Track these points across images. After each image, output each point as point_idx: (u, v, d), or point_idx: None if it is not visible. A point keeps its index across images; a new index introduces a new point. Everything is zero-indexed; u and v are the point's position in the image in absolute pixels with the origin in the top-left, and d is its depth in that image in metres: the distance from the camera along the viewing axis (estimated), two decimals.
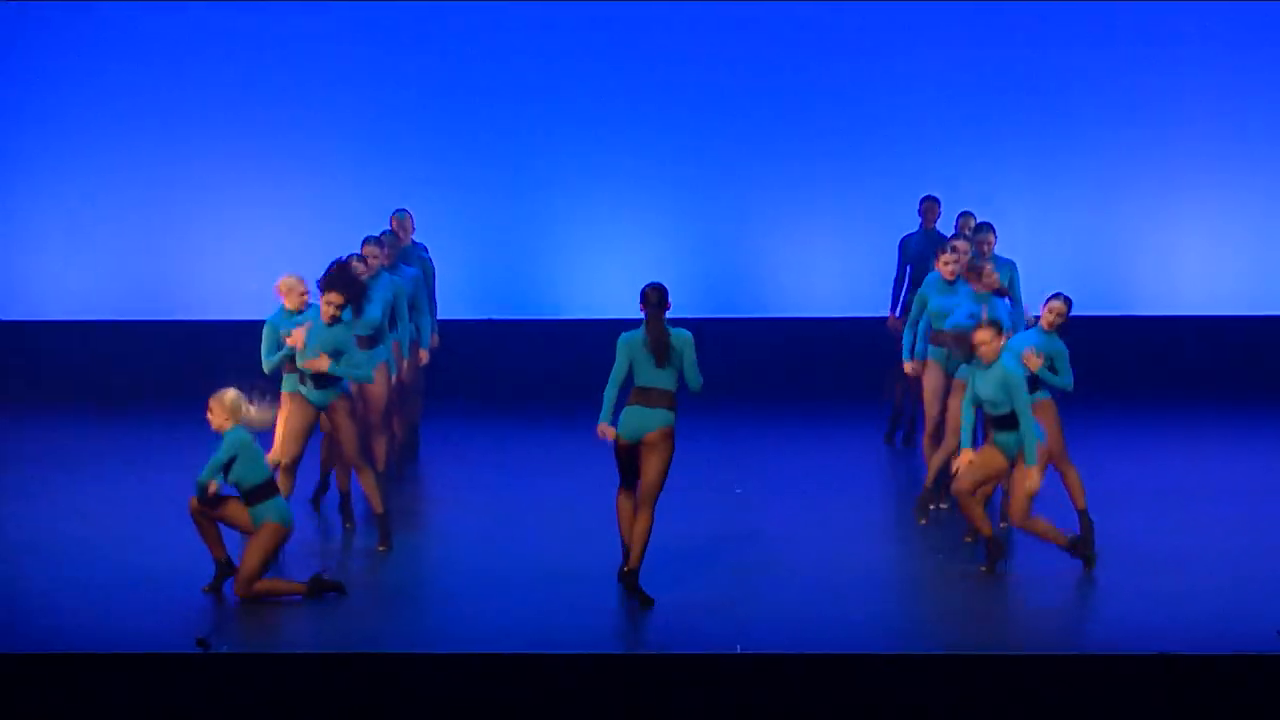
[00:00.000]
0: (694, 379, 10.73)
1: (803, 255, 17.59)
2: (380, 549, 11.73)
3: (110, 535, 11.98)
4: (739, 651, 9.29)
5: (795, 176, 17.63)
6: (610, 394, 10.74)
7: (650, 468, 10.60)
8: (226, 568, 10.70)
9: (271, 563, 10.58)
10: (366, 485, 11.93)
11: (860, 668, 8.97)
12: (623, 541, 10.72)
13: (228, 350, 17.15)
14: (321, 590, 10.45)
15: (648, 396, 10.63)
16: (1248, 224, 17.63)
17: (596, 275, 16.90)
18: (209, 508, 10.59)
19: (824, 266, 17.60)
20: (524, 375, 17.42)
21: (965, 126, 17.53)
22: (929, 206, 15.04)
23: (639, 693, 8.94)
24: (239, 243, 17.50)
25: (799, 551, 11.62)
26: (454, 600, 10.68)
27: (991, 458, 11.07)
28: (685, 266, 16.10)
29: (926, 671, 8.96)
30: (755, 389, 17.11)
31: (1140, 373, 17.41)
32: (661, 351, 10.62)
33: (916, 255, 14.78)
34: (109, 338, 17.58)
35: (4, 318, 17.65)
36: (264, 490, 10.54)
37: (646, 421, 10.60)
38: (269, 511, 10.50)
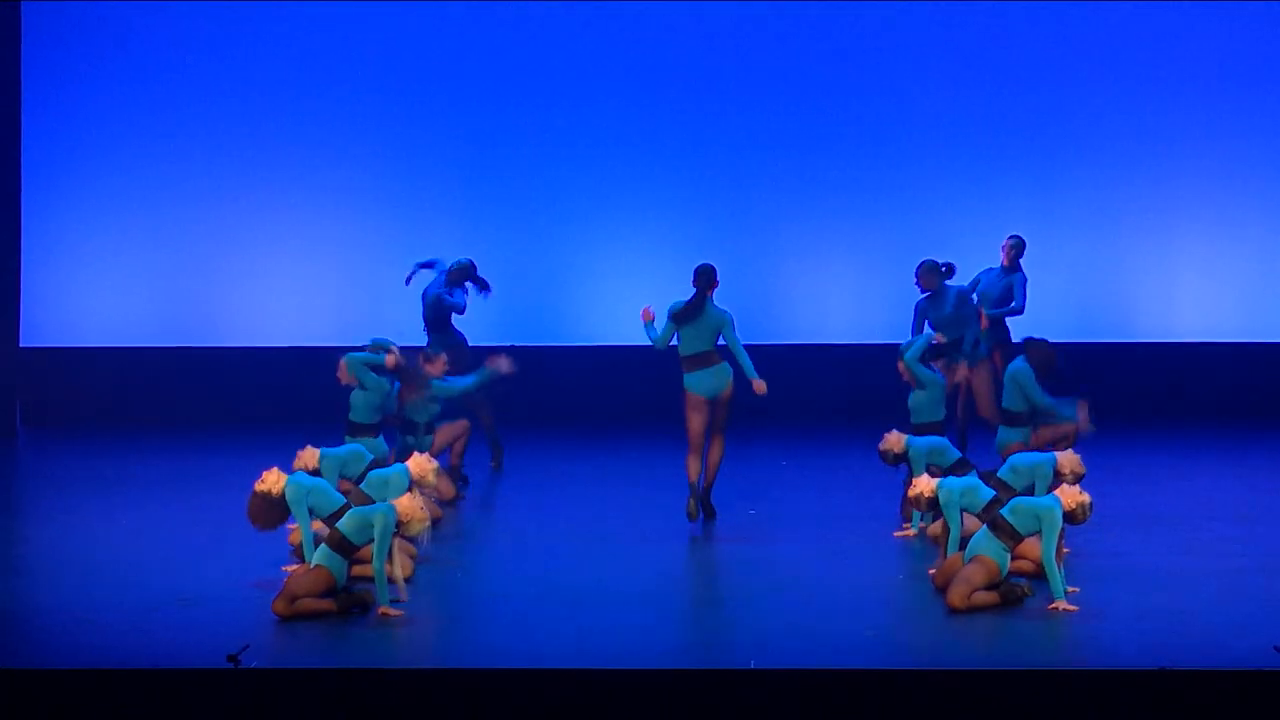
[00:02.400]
0: (739, 349, 12.71)
1: (818, 283, 17.78)
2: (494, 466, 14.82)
3: (146, 556, 12.04)
4: (752, 666, 9.35)
5: (810, 207, 17.83)
6: (653, 335, 12.96)
7: (724, 412, 12.91)
8: None
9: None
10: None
11: (869, 682, 9.05)
12: (690, 487, 12.76)
13: (260, 376, 17.55)
14: (349, 605, 10.51)
15: (703, 359, 12.81)
16: (1244, 253, 17.77)
17: (618, 303, 17.01)
18: None
19: (839, 295, 17.79)
20: (549, 399, 17.59)
21: (972, 161, 17.74)
22: (1014, 245, 15.33)
23: (654, 705, 9.00)
24: (272, 273, 17.73)
25: (811, 570, 11.64)
26: (481, 617, 10.77)
27: (979, 568, 10.66)
28: None
29: (932, 685, 9.02)
30: (771, 413, 17.09)
31: (1139, 398, 17.53)
32: (691, 312, 12.73)
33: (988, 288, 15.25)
34: (144, 363, 17.77)
35: (43, 344, 17.78)
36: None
37: (719, 380, 12.84)
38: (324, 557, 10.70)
